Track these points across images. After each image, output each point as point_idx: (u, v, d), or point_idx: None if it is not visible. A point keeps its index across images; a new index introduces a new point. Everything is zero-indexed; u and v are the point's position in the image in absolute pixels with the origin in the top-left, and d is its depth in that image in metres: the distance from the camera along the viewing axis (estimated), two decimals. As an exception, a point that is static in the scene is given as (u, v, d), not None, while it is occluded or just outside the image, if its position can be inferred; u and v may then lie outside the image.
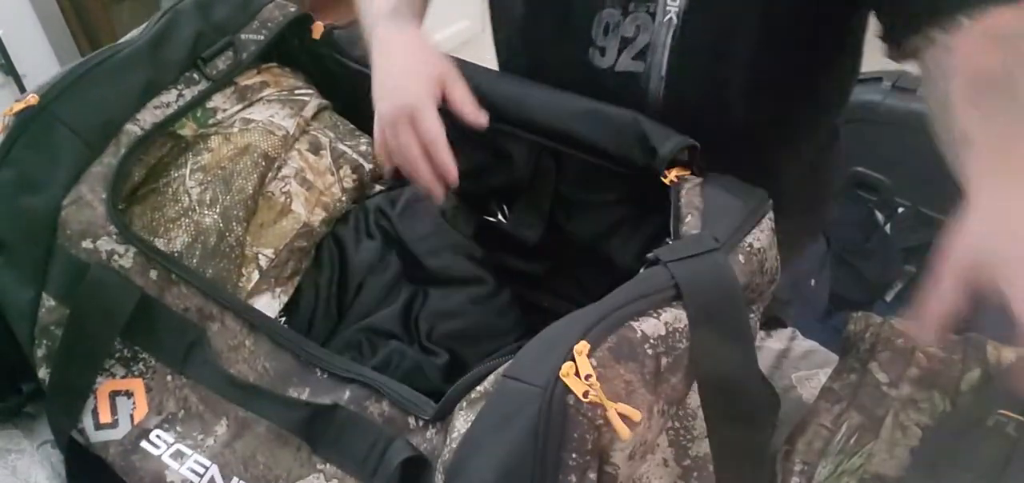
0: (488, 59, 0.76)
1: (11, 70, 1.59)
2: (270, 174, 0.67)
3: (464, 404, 0.46)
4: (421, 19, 0.72)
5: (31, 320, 0.55)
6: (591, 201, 0.70)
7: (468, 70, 0.67)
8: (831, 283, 1.29)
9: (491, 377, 0.45)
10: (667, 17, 0.64)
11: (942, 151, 0.49)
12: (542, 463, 0.39)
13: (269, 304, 0.64)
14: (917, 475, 0.49)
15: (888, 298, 1.48)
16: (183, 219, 0.62)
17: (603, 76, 0.68)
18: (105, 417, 0.55)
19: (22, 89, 1.61)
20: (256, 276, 0.63)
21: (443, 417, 0.48)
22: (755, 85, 0.65)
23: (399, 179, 0.70)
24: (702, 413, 0.47)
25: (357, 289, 0.68)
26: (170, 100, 0.64)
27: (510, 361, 0.43)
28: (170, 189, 0.63)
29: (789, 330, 0.75)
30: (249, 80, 0.72)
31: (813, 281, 1.06)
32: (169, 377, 0.56)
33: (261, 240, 0.65)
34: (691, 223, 0.54)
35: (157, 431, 0.54)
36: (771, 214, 0.56)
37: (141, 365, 0.56)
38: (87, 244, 0.55)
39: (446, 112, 0.63)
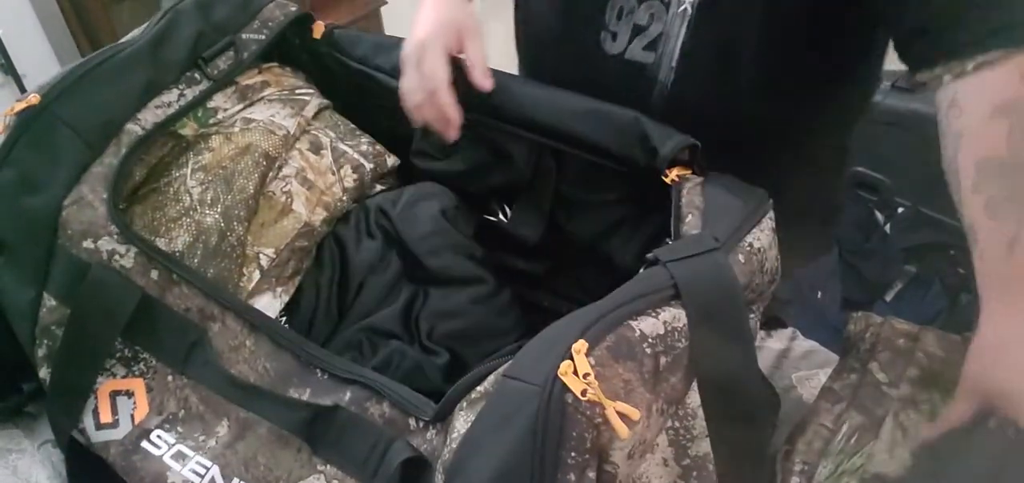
0: (493, 47, 0.76)
1: (11, 70, 1.59)
2: (271, 174, 0.68)
3: (464, 404, 0.46)
4: None
5: (32, 320, 0.55)
6: (591, 201, 0.70)
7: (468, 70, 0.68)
8: (831, 284, 1.28)
9: (491, 377, 0.45)
10: (681, 8, 0.64)
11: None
12: (541, 461, 0.39)
13: (270, 304, 0.64)
14: (917, 475, 0.49)
15: (888, 298, 1.48)
16: (184, 219, 0.62)
17: (611, 62, 0.68)
18: (106, 417, 0.55)
19: (22, 89, 1.61)
20: (257, 276, 0.63)
21: (443, 417, 0.48)
22: (764, 84, 0.65)
23: (428, 132, 0.72)
24: (702, 413, 0.47)
25: (358, 289, 0.68)
26: (171, 100, 0.64)
27: (510, 361, 0.43)
28: (171, 189, 0.63)
29: (789, 330, 0.75)
30: (250, 80, 0.72)
31: (820, 293, 1.05)
32: (170, 377, 0.56)
33: (262, 240, 0.65)
34: (691, 223, 0.54)
35: (158, 431, 0.55)
36: (771, 214, 0.56)
37: (142, 365, 0.56)
38: (88, 244, 0.55)
39: (457, 67, 0.66)
